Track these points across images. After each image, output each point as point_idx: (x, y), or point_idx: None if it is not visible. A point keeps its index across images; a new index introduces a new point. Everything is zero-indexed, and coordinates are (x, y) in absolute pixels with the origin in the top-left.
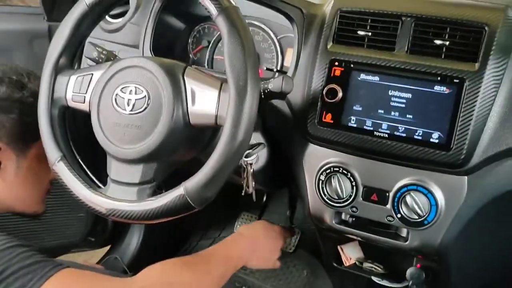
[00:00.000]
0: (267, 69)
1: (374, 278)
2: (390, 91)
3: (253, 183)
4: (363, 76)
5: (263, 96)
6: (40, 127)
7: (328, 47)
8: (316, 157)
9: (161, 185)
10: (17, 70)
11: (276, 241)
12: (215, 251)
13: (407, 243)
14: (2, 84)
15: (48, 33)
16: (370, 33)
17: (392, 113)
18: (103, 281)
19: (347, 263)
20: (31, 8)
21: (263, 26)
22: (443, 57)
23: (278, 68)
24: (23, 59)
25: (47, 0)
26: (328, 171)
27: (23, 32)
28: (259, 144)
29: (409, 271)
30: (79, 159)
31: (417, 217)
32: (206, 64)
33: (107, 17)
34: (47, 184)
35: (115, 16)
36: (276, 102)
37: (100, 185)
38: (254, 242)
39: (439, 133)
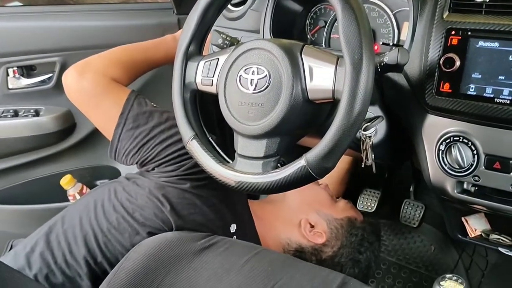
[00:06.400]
0: (384, 43)
1: (502, 250)
2: (511, 56)
3: (373, 155)
4: (481, 43)
5: (379, 70)
6: (174, 110)
7: (444, 16)
8: (435, 127)
9: (282, 159)
10: None
11: None
12: None
13: None
14: None
15: (178, 25)
16: None
17: None
18: None
19: (472, 234)
20: (162, 4)
21: (378, 2)
22: None
23: (395, 42)
24: None
25: None
26: (448, 140)
27: (156, 26)
28: (377, 117)
29: None
30: (210, 137)
31: None
32: (323, 44)
33: (229, 6)
34: None
35: (236, 5)
36: (393, 75)
37: (229, 160)
38: None
39: None
